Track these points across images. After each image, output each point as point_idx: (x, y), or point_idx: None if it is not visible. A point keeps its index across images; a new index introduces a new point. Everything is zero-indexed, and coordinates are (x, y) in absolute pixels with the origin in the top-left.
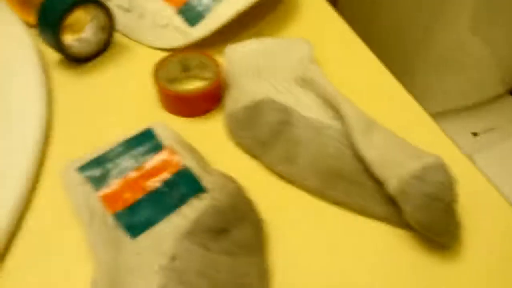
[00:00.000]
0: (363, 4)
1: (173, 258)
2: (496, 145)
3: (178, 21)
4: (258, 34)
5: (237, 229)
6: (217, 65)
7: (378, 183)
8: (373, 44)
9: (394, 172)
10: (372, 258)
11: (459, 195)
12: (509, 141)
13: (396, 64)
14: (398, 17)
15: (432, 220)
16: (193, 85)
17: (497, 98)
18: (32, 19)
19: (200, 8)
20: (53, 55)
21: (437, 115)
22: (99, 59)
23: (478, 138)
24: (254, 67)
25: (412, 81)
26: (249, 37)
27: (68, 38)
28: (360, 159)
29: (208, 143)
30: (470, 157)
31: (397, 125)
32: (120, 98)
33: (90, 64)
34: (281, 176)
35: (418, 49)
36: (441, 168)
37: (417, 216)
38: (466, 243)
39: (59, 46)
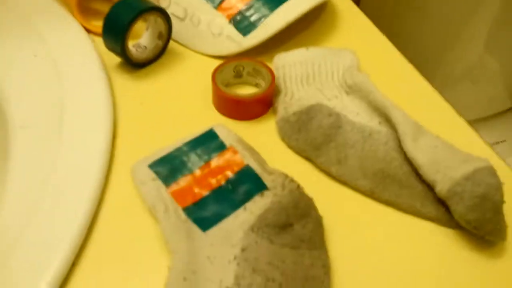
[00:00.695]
0: (384, 22)
1: (244, 249)
2: (508, 156)
3: (231, 30)
4: (302, 43)
5: (299, 224)
6: (270, 72)
7: (428, 185)
8: None
9: (445, 174)
10: (423, 255)
11: (508, 198)
12: None
13: None
14: (420, 36)
15: (482, 220)
16: (245, 90)
17: (507, 111)
18: (92, 25)
19: (252, 19)
20: (110, 58)
21: None
22: (156, 64)
23: None
24: (303, 75)
25: None
26: (294, 45)
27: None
28: (409, 163)
29: (262, 145)
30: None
31: (436, 130)
32: (176, 102)
33: (147, 69)
34: (334, 177)
35: (437, 66)
36: (490, 170)
37: (468, 216)
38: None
39: (123, 52)
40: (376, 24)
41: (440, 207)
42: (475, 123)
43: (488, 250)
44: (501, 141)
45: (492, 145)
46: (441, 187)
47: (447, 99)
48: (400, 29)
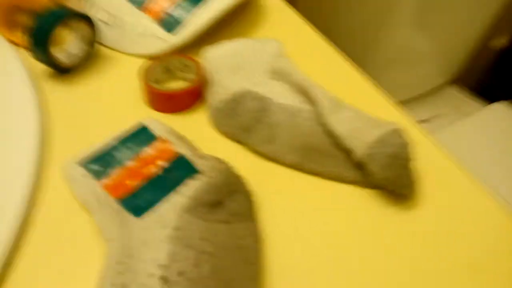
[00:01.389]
0: (320, 10)
1: (177, 228)
2: (444, 128)
3: (157, 29)
4: (230, 36)
5: (230, 201)
6: (198, 65)
7: (347, 152)
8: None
9: (361, 140)
10: (348, 216)
11: (416, 156)
12: (454, 125)
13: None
14: (351, 22)
15: (394, 176)
16: (177, 85)
17: (440, 88)
18: (16, 38)
19: (177, 17)
20: (39, 67)
21: None
22: (85, 68)
23: (427, 124)
24: (230, 65)
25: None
26: (221, 39)
27: (53, 51)
28: (330, 135)
29: (195, 134)
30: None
31: (361, 107)
32: (108, 103)
33: (77, 74)
34: (264, 155)
35: (368, 49)
36: (397, 132)
37: (382, 174)
38: (422, 193)
39: (49, 60)
40: (314, 21)
41: (359, 171)
42: (412, 101)
43: (402, 203)
44: (438, 115)
45: (430, 119)
46: (357, 152)
47: (383, 82)
48: (334, 22)
